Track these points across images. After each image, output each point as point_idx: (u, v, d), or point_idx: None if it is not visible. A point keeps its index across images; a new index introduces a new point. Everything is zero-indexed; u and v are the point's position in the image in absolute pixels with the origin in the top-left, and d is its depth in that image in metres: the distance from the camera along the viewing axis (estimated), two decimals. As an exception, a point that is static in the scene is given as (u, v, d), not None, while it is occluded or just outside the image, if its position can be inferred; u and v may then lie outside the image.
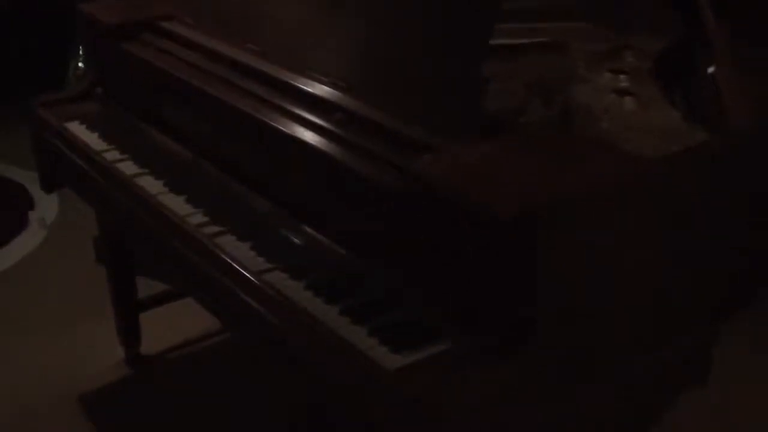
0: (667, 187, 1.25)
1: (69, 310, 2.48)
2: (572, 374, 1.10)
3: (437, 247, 1.13)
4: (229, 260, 1.32)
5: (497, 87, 1.46)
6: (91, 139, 1.79)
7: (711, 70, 1.39)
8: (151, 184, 1.59)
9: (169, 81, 1.66)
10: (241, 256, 1.33)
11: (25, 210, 3.07)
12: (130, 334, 2.26)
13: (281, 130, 1.40)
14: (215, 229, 1.42)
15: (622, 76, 1.59)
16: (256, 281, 1.26)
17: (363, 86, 1.38)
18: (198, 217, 1.46)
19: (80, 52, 3.30)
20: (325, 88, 1.44)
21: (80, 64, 3.31)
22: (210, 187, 1.57)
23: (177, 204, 1.50)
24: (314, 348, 1.16)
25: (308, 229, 1.38)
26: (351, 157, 1.28)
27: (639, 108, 1.49)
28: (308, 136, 1.37)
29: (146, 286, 2.31)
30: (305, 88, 1.46)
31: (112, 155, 1.71)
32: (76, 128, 1.84)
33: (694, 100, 1.45)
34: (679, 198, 1.28)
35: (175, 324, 2.35)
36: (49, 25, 3.69)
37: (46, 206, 3.08)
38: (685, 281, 1.33)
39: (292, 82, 1.49)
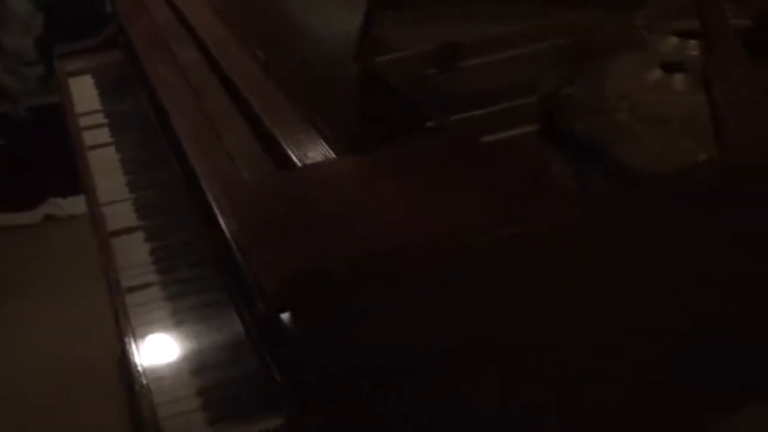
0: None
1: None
2: None
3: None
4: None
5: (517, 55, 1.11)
6: (86, 98, 1.63)
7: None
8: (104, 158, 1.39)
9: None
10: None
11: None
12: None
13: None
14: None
15: (692, 42, 1.17)
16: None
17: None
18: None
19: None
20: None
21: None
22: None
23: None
24: None
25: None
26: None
27: (688, 90, 1.08)
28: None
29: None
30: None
31: (89, 119, 1.53)
32: (84, 83, 1.70)
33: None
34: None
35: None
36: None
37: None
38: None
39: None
